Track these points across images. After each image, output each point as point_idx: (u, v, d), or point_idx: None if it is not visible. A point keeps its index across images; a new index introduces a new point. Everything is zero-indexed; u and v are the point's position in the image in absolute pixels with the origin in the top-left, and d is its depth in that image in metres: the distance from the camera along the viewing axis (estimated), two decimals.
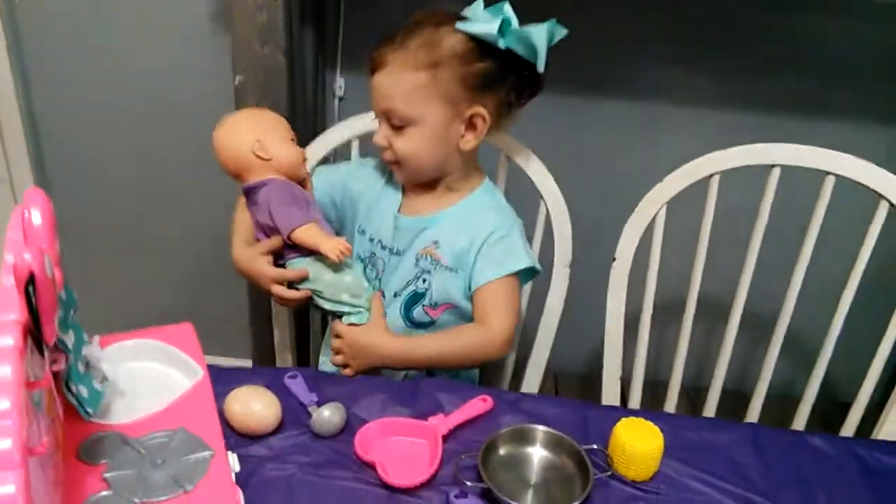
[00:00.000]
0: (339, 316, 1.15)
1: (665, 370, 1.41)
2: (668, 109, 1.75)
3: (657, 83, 1.73)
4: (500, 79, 1.11)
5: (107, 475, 0.66)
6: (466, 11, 1.09)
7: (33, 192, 0.59)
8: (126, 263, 2.05)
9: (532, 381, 1.34)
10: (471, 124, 1.12)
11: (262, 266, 1.14)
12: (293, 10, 1.52)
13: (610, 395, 1.31)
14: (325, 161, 1.36)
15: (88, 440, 0.70)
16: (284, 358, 1.42)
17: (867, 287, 1.23)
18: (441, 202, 1.19)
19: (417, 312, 1.19)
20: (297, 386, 1.01)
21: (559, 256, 1.28)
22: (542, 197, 1.27)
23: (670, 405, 1.35)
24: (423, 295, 1.18)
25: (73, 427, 0.71)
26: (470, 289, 1.16)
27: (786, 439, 1.00)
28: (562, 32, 1.09)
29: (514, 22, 1.07)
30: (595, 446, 0.93)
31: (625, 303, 1.28)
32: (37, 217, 0.58)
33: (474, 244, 1.15)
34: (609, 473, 0.90)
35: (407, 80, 1.07)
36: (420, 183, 1.19)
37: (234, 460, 0.71)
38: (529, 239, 1.23)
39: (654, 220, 1.26)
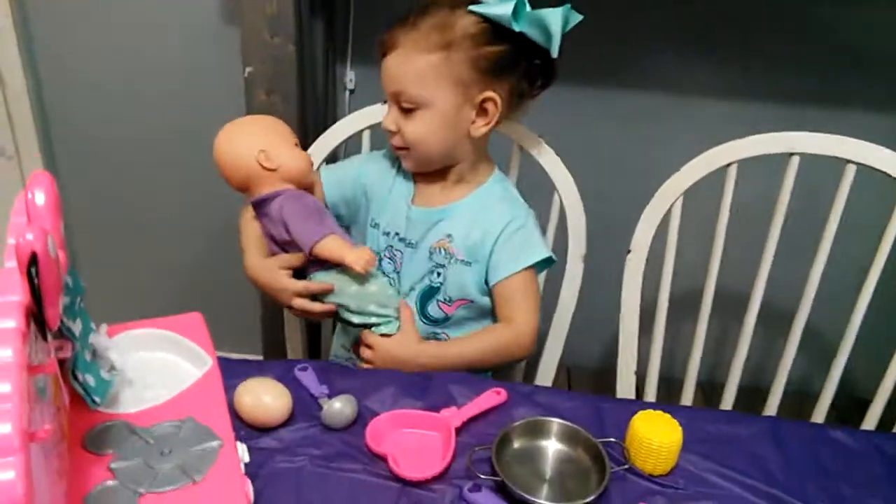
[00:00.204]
0: (367, 327, 1.12)
1: (679, 365, 1.39)
2: (684, 99, 1.73)
3: (673, 73, 1.71)
4: (513, 64, 1.09)
5: (113, 465, 0.64)
6: None
7: (38, 175, 0.58)
8: (136, 255, 2.05)
9: (545, 376, 1.33)
10: (482, 110, 1.10)
11: (284, 280, 1.11)
12: (303, 0, 1.51)
13: (625, 390, 1.30)
14: (335, 153, 1.35)
15: (95, 429, 0.68)
16: (295, 349, 1.41)
17: (888, 280, 1.20)
18: (452, 194, 1.17)
19: (432, 308, 1.17)
20: (308, 378, 1.00)
21: (573, 248, 1.26)
22: (555, 188, 1.25)
23: (686, 401, 1.33)
24: (437, 290, 1.17)
25: (79, 416, 0.69)
26: (487, 282, 1.15)
27: (806, 433, 0.98)
28: (576, 18, 1.07)
29: (528, 5, 1.05)
30: (612, 439, 0.91)
31: (640, 296, 1.26)
32: (40, 197, 0.56)
33: (489, 237, 1.14)
34: (626, 467, 0.88)
35: (418, 62, 1.06)
36: (429, 172, 1.17)
37: (243, 451, 0.70)
38: (543, 231, 1.21)
39: (669, 211, 1.24)
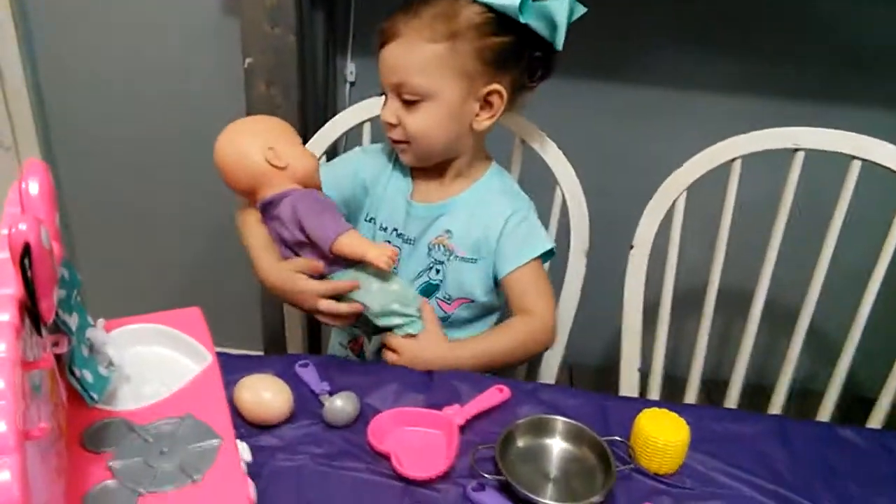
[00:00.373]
0: (390, 329, 1.07)
1: (682, 363, 1.38)
2: (688, 95, 1.72)
3: (677, 68, 1.70)
4: (517, 56, 1.07)
5: (111, 464, 0.63)
6: None
7: (32, 163, 0.56)
8: (135, 250, 2.04)
9: (547, 374, 1.31)
10: (486, 103, 1.08)
11: (305, 282, 1.04)
12: None
13: (628, 387, 1.28)
14: (335, 145, 1.33)
15: (93, 427, 0.67)
16: (295, 344, 1.39)
17: (893, 277, 1.19)
18: (451, 188, 1.15)
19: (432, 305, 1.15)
20: (309, 374, 0.99)
21: (575, 244, 1.25)
22: (558, 182, 1.24)
23: (690, 399, 1.32)
24: (436, 287, 1.15)
25: (77, 413, 0.68)
26: (496, 277, 1.13)
27: (813, 431, 0.97)
28: (581, 10, 1.05)
29: None
30: (617, 438, 0.89)
31: (643, 292, 1.25)
32: (34, 187, 0.55)
33: (492, 231, 1.12)
34: (632, 466, 0.87)
35: (422, 52, 1.03)
36: (427, 167, 1.15)
37: (244, 449, 0.68)
38: (545, 226, 1.19)
39: (673, 206, 1.23)
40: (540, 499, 0.80)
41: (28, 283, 0.49)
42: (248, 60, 1.50)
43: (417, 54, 1.03)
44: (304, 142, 1.28)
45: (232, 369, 0.95)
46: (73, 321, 0.69)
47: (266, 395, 0.90)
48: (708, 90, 1.71)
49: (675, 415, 0.89)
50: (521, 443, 0.89)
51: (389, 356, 1.07)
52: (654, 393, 1.31)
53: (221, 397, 0.72)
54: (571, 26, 1.05)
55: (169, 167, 1.90)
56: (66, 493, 0.59)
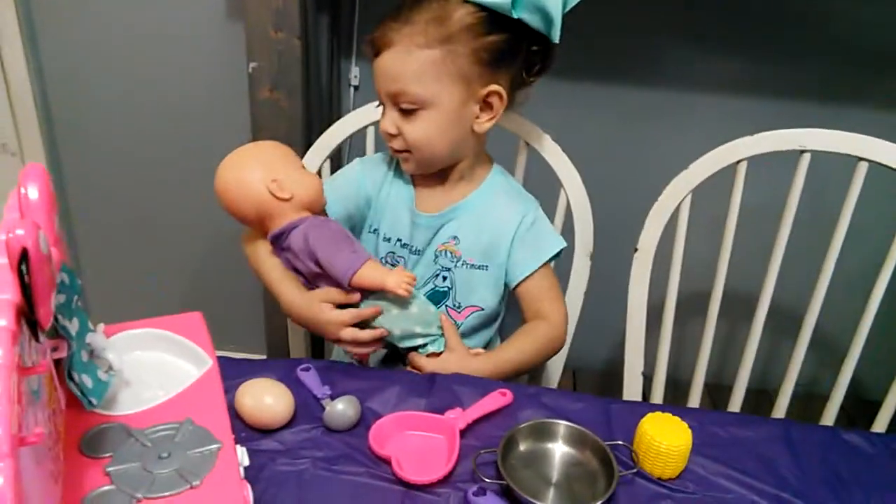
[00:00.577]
0: (414, 349, 1.07)
1: (686, 367, 1.37)
2: (693, 96, 1.71)
3: (682, 69, 1.70)
4: (513, 53, 1.05)
5: (109, 469, 0.63)
6: None
7: (31, 168, 0.56)
8: (140, 253, 2.04)
9: (551, 377, 1.31)
10: (486, 104, 1.06)
11: (328, 313, 1.03)
12: None
13: (632, 391, 1.28)
14: (339, 149, 1.33)
15: (91, 432, 0.66)
16: (298, 348, 1.39)
17: None
18: (455, 194, 1.14)
19: None
20: (310, 379, 0.98)
21: (580, 247, 1.25)
22: (562, 185, 1.24)
23: (693, 403, 1.31)
24: (445, 294, 1.14)
25: (75, 418, 0.68)
26: (507, 283, 1.14)
27: (818, 435, 0.96)
28: (574, 0, 1.02)
29: None
30: (619, 442, 0.89)
31: (647, 295, 1.24)
32: (33, 192, 0.54)
33: (503, 237, 1.12)
34: (634, 471, 0.86)
35: (418, 59, 1.01)
36: (430, 174, 1.13)
37: (242, 454, 0.68)
38: None
39: (678, 209, 1.22)
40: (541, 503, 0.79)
41: (25, 289, 0.49)
42: (252, 64, 1.50)
43: (413, 62, 1.01)
44: (308, 146, 1.28)
45: (234, 373, 0.95)
46: (73, 326, 0.69)
47: (267, 399, 0.90)
48: (713, 91, 1.70)
49: (678, 419, 0.88)
50: (522, 447, 0.89)
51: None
52: (658, 397, 1.30)
53: (221, 402, 0.71)
54: (575, 27, 1.04)
55: (173, 171, 1.90)
56: (63, 499, 0.59)
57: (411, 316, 1.05)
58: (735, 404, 1.31)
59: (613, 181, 1.57)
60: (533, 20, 1.01)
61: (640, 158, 1.72)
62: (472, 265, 1.12)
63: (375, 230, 1.18)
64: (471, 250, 1.12)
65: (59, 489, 0.59)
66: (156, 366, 0.77)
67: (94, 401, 0.69)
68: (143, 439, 0.66)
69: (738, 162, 1.19)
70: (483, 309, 1.15)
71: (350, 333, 1.03)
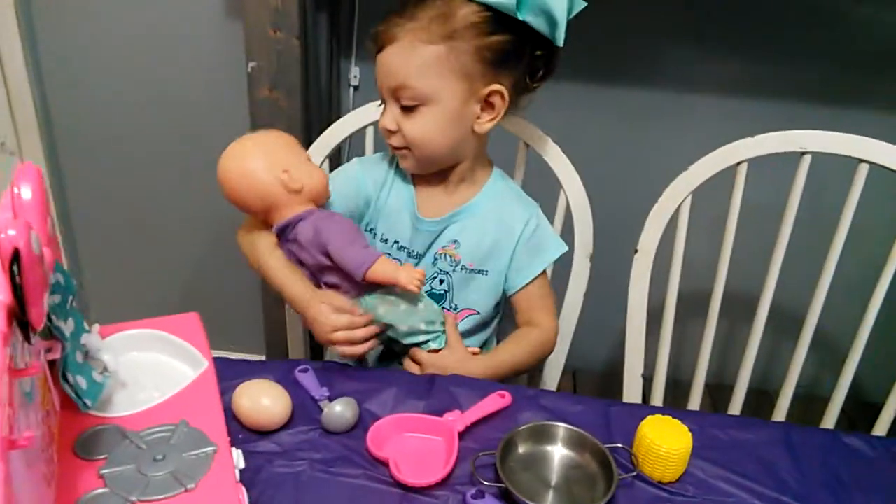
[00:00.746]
0: (416, 345, 1.07)
1: (686, 368, 1.37)
2: (693, 96, 1.71)
3: (682, 69, 1.69)
4: (517, 55, 1.04)
5: (104, 471, 0.62)
6: None
7: (24, 168, 0.55)
8: (139, 252, 2.04)
9: (550, 378, 1.31)
10: (487, 104, 1.05)
11: (325, 314, 1.03)
12: None
13: (632, 393, 1.27)
14: (339, 149, 1.32)
15: (86, 434, 0.66)
16: (297, 348, 1.39)
17: None
18: (457, 197, 1.13)
19: None
20: (308, 380, 0.98)
21: (579, 248, 1.24)
22: (562, 186, 1.23)
23: (693, 403, 1.31)
24: (441, 297, 1.14)
25: (70, 420, 0.67)
26: (506, 289, 1.14)
27: (819, 438, 0.95)
28: (580, 5, 1.02)
29: None
30: (619, 445, 0.88)
31: (648, 297, 1.24)
32: (26, 192, 0.54)
33: (506, 243, 1.12)
34: (634, 474, 0.86)
35: (421, 54, 1.00)
36: (430, 175, 1.12)
37: (238, 456, 0.68)
38: None
39: (678, 210, 1.21)
40: None
41: (17, 290, 0.48)
42: (251, 64, 1.49)
43: (416, 57, 1.01)
44: (307, 145, 1.28)
45: (231, 374, 0.95)
46: (67, 327, 0.68)
47: (265, 400, 0.90)
48: (713, 92, 1.70)
49: (678, 422, 0.88)
50: (521, 449, 0.88)
51: (412, 368, 1.07)
52: (658, 397, 1.29)
53: (217, 404, 0.71)
54: (574, 27, 1.03)
55: (173, 171, 1.89)
56: (56, 502, 0.58)
57: (418, 312, 1.05)
58: (736, 405, 1.30)
59: (613, 182, 1.56)
60: (538, 23, 1.00)
61: (640, 159, 1.72)
62: (472, 270, 1.12)
63: (372, 230, 1.17)
64: (471, 255, 1.12)
65: (53, 492, 0.58)
66: (151, 367, 0.77)
67: (88, 402, 0.69)
68: (138, 441, 0.65)
69: (739, 163, 1.19)
70: (479, 313, 1.15)
71: (343, 335, 1.03)
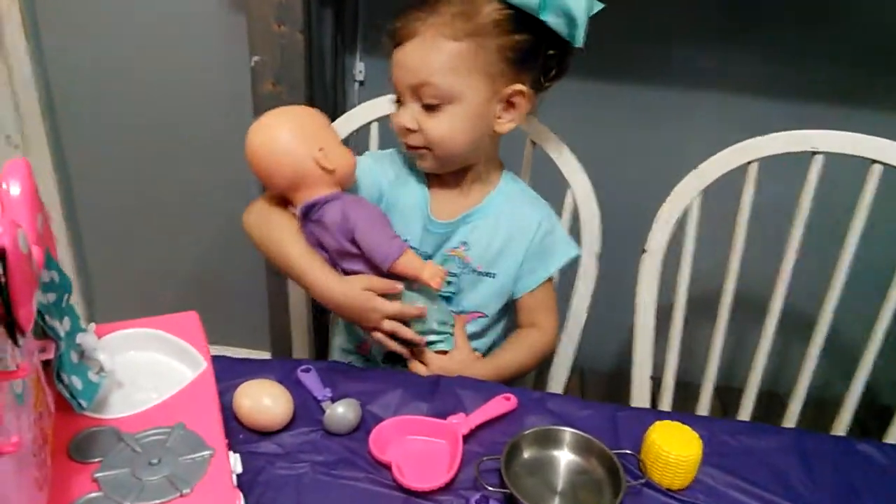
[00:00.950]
0: (426, 344, 1.06)
1: (695, 369, 1.35)
2: (703, 95, 1.68)
3: (691, 67, 1.67)
4: (536, 54, 1.03)
5: (98, 475, 0.60)
6: None
7: (13, 163, 0.54)
8: (144, 247, 2.03)
9: (558, 379, 1.29)
10: (509, 104, 1.04)
11: (376, 301, 1.00)
12: None
13: (640, 394, 1.25)
14: (345, 144, 1.30)
15: (80, 436, 0.64)
16: (302, 347, 1.37)
17: None
18: (470, 198, 1.11)
19: None
20: (311, 380, 0.96)
21: (587, 247, 1.22)
22: (569, 185, 1.21)
23: (703, 406, 1.29)
24: (448, 300, 1.12)
25: (64, 421, 0.66)
26: (513, 292, 1.13)
27: (833, 446, 0.93)
28: (598, 6, 1.01)
29: None
30: (627, 451, 0.86)
31: (656, 297, 1.22)
32: (15, 188, 0.52)
33: (516, 245, 1.10)
34: (642, 481, 0.84)
35: (445, 50, 0.97)
36: (445, 176, 1.10)
37: (235, 461, 0.66)
38: None
39: (687, 210, 1.19)
40: None
41: (2, 290, 0.46)
42: (255, 58, 1.48)
43: (439, 53, 0.98)
44: None
45: (233, 373, 0.94)
46: (63, 326, 0.66)
47: (266, 400, 0.88)
48: (723, 91, 1.67)
49: (687, 428, 0.86)
50: (527, 454, 0.86)
51: (418, 368, 1.06)
52: (667, 400, 1.27)
53: (215, 406, 0.69)
54: (589, 26, 1.01)
55: (177, 165, 1.88)
56: None
57: (433, 312, 1.04)
58: (746, 408, 1.28)
59: (621, 181, 1.54)
60: (557, 24, 0.99)
61: (649, 158, 1.70)
62: (480, 272, 1.10)
63: None
64: (481, 257, 1.10)
65: (45, 496, 0.57)
66: (149, 367, 0.75)
67: (83, 403, 0.67)
68: (134, 444, 0.64)
69: (749, 163, 1.17)
70: (486, 316, 1.13)
71: (391, 325, 1.01)
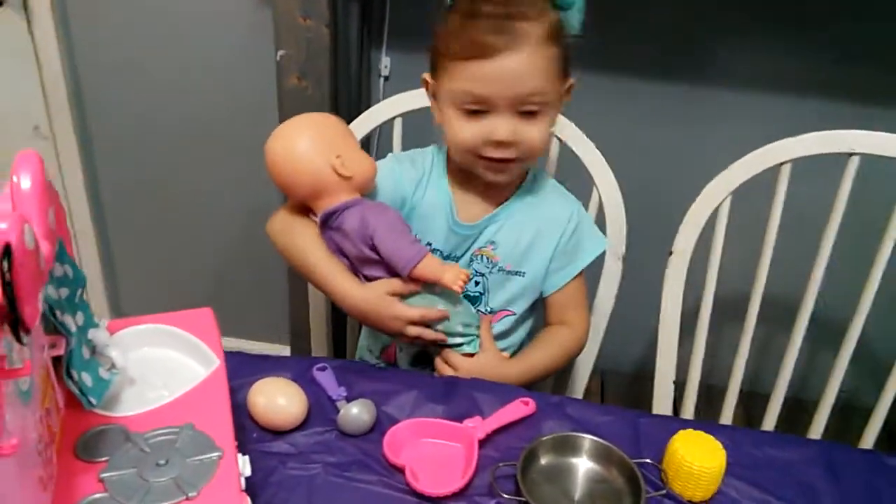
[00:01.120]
0: (450, 346, 1.04)
1: (719, 374, 1.32)
2: (734, 93, 1.65)
3: (723, 64, 1.63)
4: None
5: (104, 475, 0.60)
6: None
7: (25, 155, 0.53)
8: (169, 239, 2.05)
9: (578, 381, 1.27)
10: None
11: (398, 307, 0.99)
12: None
13: (662, 399, 1.23)
14: (367, 140, 1.29)
15: (88, 434, 0.64)
16: (319, 345, 1.36)
17: None
18: (496, 197, 1.08)
19: None
20: (326, 379, 0.95)
21: (612, 248, 1.20)
22: (594, 184, 1.19)
23: (727, 412, 1.26)
24: (476, 299, 1.10)
25: (73, 418, 0.65)
26: (543, 290, 1.11)
27: (860, 459, 0.90)
28: None
29: None
30: (647, 460, 0.84)
31: (682, 300, 1.19)
32: (25, 181, 0.51)
33: (546, 242, 1.08)
34: (663, 492, 0.82)
35: (548, 56, 0.95)
36: (472, 176, 1.06)
37: (244, 463, 0.65)
38: None
39: (716, 211, 1.16)
40: None
41: (7, 287, 0.45)
42: (280, 52, 1.47)
43: (540, 59, 0.94)
44: None
45: (249, 370, 0.93)
46: (75, 321, 0.66)
47: (280, 400, 0.87)
48: (756, 89, 1.64)
49: (711, 437, 0.84)
50: (544, 461, 0.84)
51: (445, 370, 1.04)
52: (690, 404, 1.25)
53: (226, 405, 0.68)
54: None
55: (201, 158, 1.89)
56: None
57: (456, 314, 1.02)
58: (771, 415, 1.25)
59: (649, 180, 1.51)
60: (576, 17, 0.98)
61: (678, 157, 1.67)
62: (509, 271, 1.08)
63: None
64: (509, 256, 1.08)
65: (49, 495, 0.56)
66: (161, 363, 0.74)
67: (93, 400, 0.66)
68: (142, 444, 0.63)
69: (782, 164, 1.13)
70: (515, 314, 1.11)
71: (416, 331, 1.00)
